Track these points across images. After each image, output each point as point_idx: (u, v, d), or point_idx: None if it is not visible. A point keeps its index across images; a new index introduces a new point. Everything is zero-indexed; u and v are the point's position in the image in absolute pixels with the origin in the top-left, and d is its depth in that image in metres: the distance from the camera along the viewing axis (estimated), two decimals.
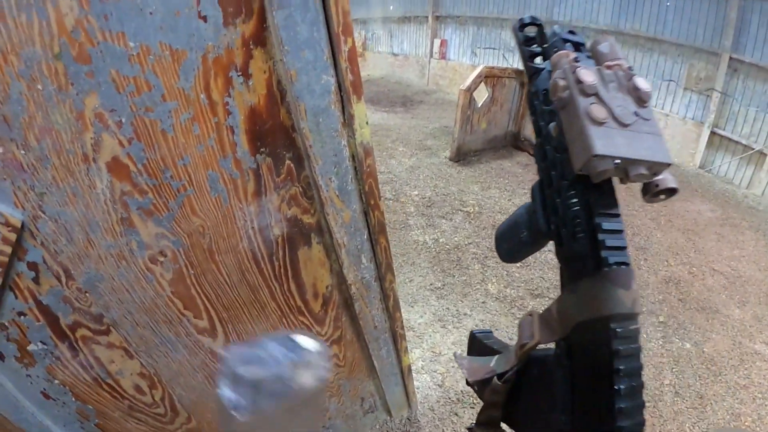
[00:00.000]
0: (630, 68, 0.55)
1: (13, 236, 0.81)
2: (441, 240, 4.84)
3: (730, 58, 7.73)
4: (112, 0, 0.75)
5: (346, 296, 1.44)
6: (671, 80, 8.48)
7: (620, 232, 0.53)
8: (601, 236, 0.51)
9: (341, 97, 1.06)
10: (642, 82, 0.53)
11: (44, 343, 0.98)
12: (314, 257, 1.30)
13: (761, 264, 4.91)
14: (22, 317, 0.92)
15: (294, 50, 0.94)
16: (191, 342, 1.24)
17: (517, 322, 3.45)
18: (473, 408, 2.80)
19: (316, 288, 1.37)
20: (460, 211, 5.52)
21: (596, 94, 0.50)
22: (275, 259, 1.23)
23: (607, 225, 0.52)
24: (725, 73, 7.81)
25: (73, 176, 0.84)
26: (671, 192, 0.56)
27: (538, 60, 0.65)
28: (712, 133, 7.90)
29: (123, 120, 0.84)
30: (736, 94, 7.75)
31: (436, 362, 3.17)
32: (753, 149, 7.39)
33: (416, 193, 6.03)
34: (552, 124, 0.57)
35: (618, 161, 0.47)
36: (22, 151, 0.78)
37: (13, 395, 0.98)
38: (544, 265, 4.42)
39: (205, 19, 0.85)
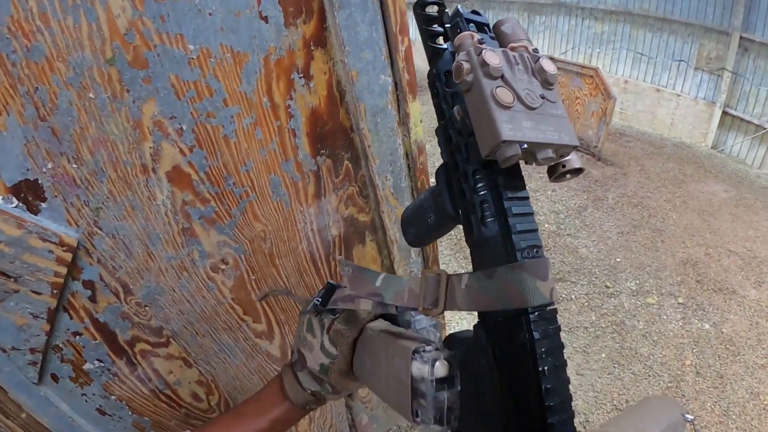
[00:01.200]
0: (535, 50, 0.52)
1: (68, 256, 0.73)
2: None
3: (741, 38, 7.40)
4: (168, 0, 0.67)
5: None
6: (682, 60, 8.15)
7: (530, 215, 0.50)
8: (511, 221, 0.47)
9: (397, 96, 1.02)
10: (548, 64, 0.50)
11: (101, 361, 0.91)
12: (367, 254, 1.27)
13: None
14: (77, 337, 0.83)
15: (355, 50, 0.88)
16: (249, 346, 1.18)
17: None
18: None
19: None
20: None
21: (502, 77, 0.46)
22: (332, 259, 1.19)
23: (517, 209, 0.48)
24: (736, 52, 7.48)
25: (132, 189, 0.77)
26: (577, 172, 0.54)
27: (440, 41, 0.59)
28: (724, 113, 7.62)
29: (184, 127, 0.77)
30: (747, 74, 7.46)
31: None
32: (765, 129, 7.13)
33: None
34: (456, 108, 0.53)
35: (525, 146, 0.44)
36: (74, 165, 0.70)
37: (68, 415, 0.90)
38: (564, 249, 4.41)
39: (266, 19, 0.78)
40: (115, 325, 0.89)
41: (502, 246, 0.47)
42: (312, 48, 0.86)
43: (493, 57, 0.46)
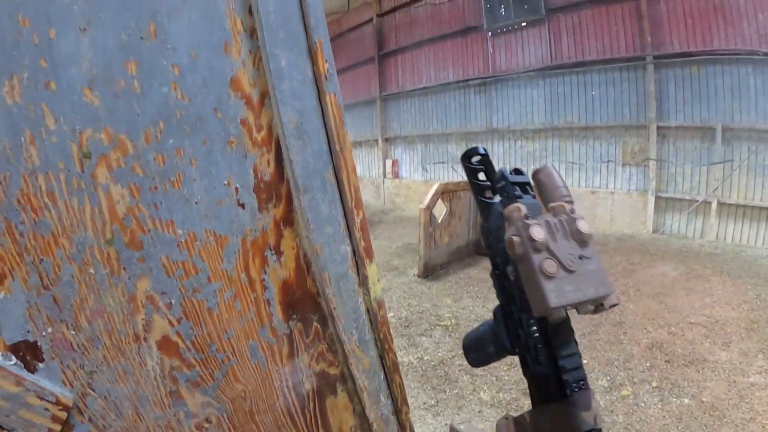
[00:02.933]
0: (572, 210, 0.67)
1: (63, 415, 0.83)
2: (425, 358, 5.20)
3: (658, 127, 9.07)
4: (161, 190, 0.86)
5: None
6: (609, 160, 9.72)
7: (575, 354, 0.68)
8: (561, 362, 0.66)
9: (356, 262, 1.20)
10: (582, 225, 0.65)
11: None
12: (339, 403, 1.41)
13: (733, 303, 5.50)
14: None
15: (317, 227, 1.08)
16: None
17: None
18: None
19: (342, 431, 1.46)
20: (438, 326, 5.94)
21: (547, 248, 0.61)
22: (307, 411, 1.31)
23: (565, 351, 0.67)
24: (656, 141, 9.10)
25: (124, 355, 0.90)
26: (613, 306, 0.71)
27: (489, 193, 0.77)
28: (657, 198, 9.00)
29: (173, 301, 0.93)
30: (670, 158, 8.97)
31: None
32: (698, 201, 8.33)
33: (392, 314, 6.40)
34: (510, 269, 0.69)
35: (569, 306, 0.61)
36: (73, 332, 0.83)
37: None
38: None
39: (243, 206, 0.98)
40: None
41: (555, 382, 0.65)
42: (282, 227, 1.06)
43: (539, 232, 0.60)
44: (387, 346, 1.38)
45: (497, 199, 0.77)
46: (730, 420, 3.59)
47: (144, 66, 0.82)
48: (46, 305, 0.78)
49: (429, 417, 4.19)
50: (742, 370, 4.21)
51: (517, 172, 0.76)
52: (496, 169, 0.78)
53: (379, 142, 15.97)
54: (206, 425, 1.06)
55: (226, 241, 0.97)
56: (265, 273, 1.06)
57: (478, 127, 12.82)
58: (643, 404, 3.94)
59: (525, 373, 0.72)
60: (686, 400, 3.92)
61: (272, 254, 1.06)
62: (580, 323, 5.33)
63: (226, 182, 0.95)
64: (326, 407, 1.33)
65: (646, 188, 9.27)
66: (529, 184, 0.76)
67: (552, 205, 0.70)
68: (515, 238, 0.63)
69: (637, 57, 9.39)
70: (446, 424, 4.05)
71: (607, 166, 9.89)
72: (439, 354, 5.20)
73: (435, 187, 7.70)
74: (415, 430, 3.66)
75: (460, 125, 13.31)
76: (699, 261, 7.07)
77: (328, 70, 1.02)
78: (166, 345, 0.94)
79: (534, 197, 0.75)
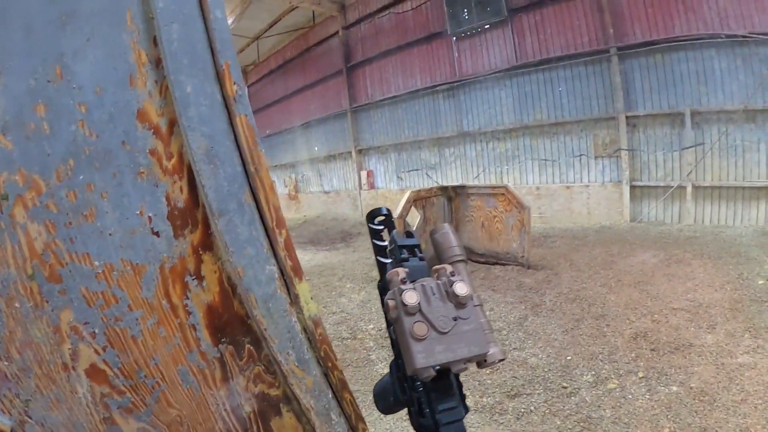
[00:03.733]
0: (452, 273, 0.75)
1: None
2: None
3: (627, 117, 9.16)
4: (75, 224, 0.90)
5: None
6: (581, 154, 9.77)
7: (454, 408, 0.75)
8: (438, 416, 0.74)
9: (285, 281, 1.22)
10: (460, 288, 0.70)
11: None
12: (287, 424, 1.36)
13: (715, 285, 5.48)
14: None
15: (238, 249, 1.09)
16: None
17: (501, 428, 3.57)
18: None
19: None
20: None
21: (420, 311, 0.67)
22: None
23: (443, 406, 0.74)
24: (626, 131, 9.17)
25: (55, 383, 0.95)
26: (500, 361, 0.83)
27: (384, 254, 0.85)
28: (632, 187, 9.00)
29: (96, 330, 0.97)
30: (641, 146, 9.04)
31: None
32: (672, 186, 8.38)
33: (372, 326, 6.31)
34: (391, 328, 0.78)
35: (438, 366, 0.66)
36: (5, 363, 0.90)
37: None
38: (513, 364, 4.74)
39: (158, 234, 1.01)
40: None
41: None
42: (201, 252, 1.08)
43: (411, 297, 0.67)
44: (330, 364, 1.33)
45: (390, 260, 0.85)
46: (721, 404, 3.53)
47: (52, 107, 0.86)
48: None
49: (411, 428, 4.01)
50: (729, 351, 4.17)
51: (408, 235, 0.83)
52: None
53: (353, 154, 15.99)
54: None
55: (143, 270, 0.98)
56: (188, 298, 1.06)
57: (449, 132, 12.87)
58: (630, 396, 3.87)
59: (412, 424, 0.79)
60: (674, 388, 3.86)
61: (193, 279, 1.07)
62: (561, 319, 5.29)
63: (138, 212, 0.97)
64: (272, 429, 1.29)
65: (620, 179, 9.32)
66: (417, 246, 0.83)
67: (435, 267, 0.76)
68: (390, 302, 0.70)
69: (601, 50, 9.53)
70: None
71: (580, 160, 9.94)
72: None
73: (407, 195, 7.61)
74: None
75: (431, 131, 13.36)
76: (678, 246, 7.09)
77: (237, 92, 1.03)
78: (94, 373, 0.96)
79: (422, 259, 0.81)
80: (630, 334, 4.83)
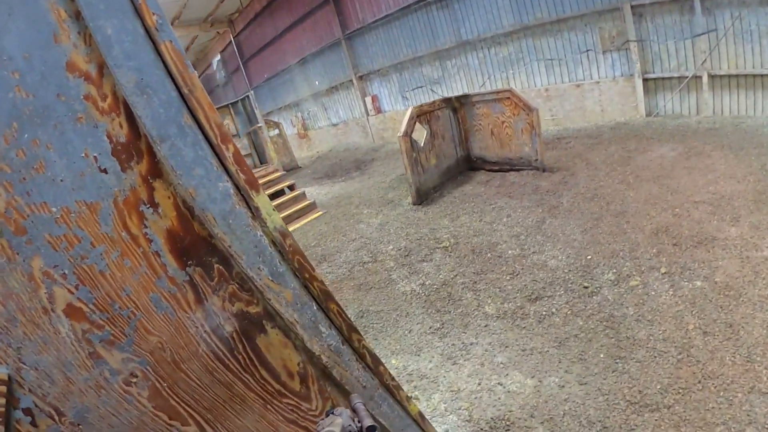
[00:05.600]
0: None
1: (3, 389, 0.96)
2: (427, 282, 5.00)
3: (632, 6, 8.38)
4: (29, 178, 0.97)
5: (321, 367, 1.52)
6: (588, 50, 9.09)
7: None
8: None
9: (242, 195, 1.24)
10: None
11: None
12: (274, 341, 1.40)
13: (738, 176, 5.15)
14: None
15: (186, 171, 1.12)
16: None
17: (524, 333, 3.45)
18: (508, 430, 2.87)
19: (288, 368, 1.46)
20: (437, 248, 5.72)
21: None
22: (237, 353, 1.33)
23: None
24: (633, 21, 8.42)
25: (40, 328, 1.01)
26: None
27: None
28: (645, 80, 8.40)
29: (66, 272, 1.02)
30: (650, 36, 8.32)
31: (458, 399, 3.24)
32: (687, 77, 7.83)
33: (391, 247, 6.24)
34: None
35: None
36: None
37: None
38: (532, 267, 4.58)
39: (105, 171, 1.05)
40: None
41: None
42: (151, 181, 1.12)
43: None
44: (308, 275, 1.39)
45: None
46: (747, 298, 3.34)
47: None
48: None
49: (436, 340, 4.00)
50: (754, 244, 3.92)
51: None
52: None
53: (354, 81, 15.41)
54: (133, 379, 1.14)
55: (98, 207, 1.05)
56: (146, 227, 1.12)
57: (448, 43, 12.04)
58: (653, 293, 3.70)
59: None
60: (698, 283, 3.66)
61: (148, 208, 1.12)
62: (580, 219, 5.08)
63: (83, 154, 1.02)
64: (259, 347, 1.36)
65: (631, 72, 8.67)
66: None
67: None
68: None
69: None
70: (453, 344, 3.85)
71: (587, 56, 9.23)
72: (441, 276, 5.00)
73: (409, 111, 7.26)
74: (424, 355, 3.48)
75: (429, 45, 12.57)
76: (697, 138, 6.69)
77: (157, 21, 1.06)
78: (72, 311, 1.04)
79: None
80: (651, 229, 4.60)
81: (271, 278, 1.31)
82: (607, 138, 7.59)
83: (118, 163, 1.07)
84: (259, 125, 11.14)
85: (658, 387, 2.83)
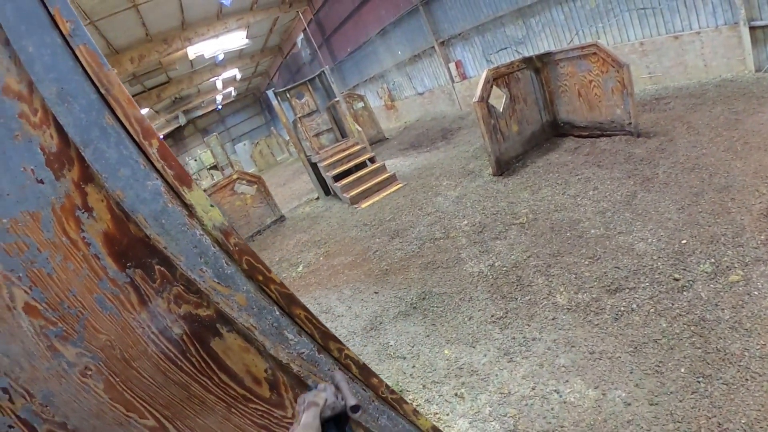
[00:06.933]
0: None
1: None
2: (497, 263, 4.61)
3: None
4: None
5: (294, 375, 1.46)
6: None
7: None
8: None
9: (175, 193, 1.22)
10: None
11: None
12: (232, 345, 1.38)
13: None
14: (11, 429, 1.18)
15: (110, 173, 1.15)
16: None
17: (595, 331, 2.93)
18: None
19: (253, 374, 1.43)
20: (513, 224, 5.27)
21: None
22: (189, 355, 1.33)
23: None
24: None
25: (6, 322, 1.13)
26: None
27: None
28: (752, 29, 6.91)
29: (21, 275, 1.13)
30: None
31: (505, 404, 2.90)
32: None
33: (465, 222, 5.89)
34: None
35: None
36: None
37: None
38: (617, 251, 3.99)
39: (42, 181, 1.12)
40: (33, 420, 1.19)
41: None
42: (83, 186, 1.16)
43: None
44: (262, 277, 1.35)
45: None
46: None
47: None
48: None
49: (495, 331, 3.64)
50: None
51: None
52: None
53: (436, 48, 14.65)
54: (89, 372, 1.21)
55: (39, 215, 1.13)
56: (83, 231, 1.17)
57: None
58: (756, 293, 2.94)
59: None
60: None
61: (83, 212, 1.17)
62: (677, 194, 4.37)
63: (22, 169, 1.10)
64: (215, 350, 1.35)
65: (735, 20, 7.03)
66: None
67: None
68: None
69: None
70: (513, 338, 3.47)
71: (685, 3, 7.78)
72: (513, 257, 4.58)
73: (483, 75, 6.66)
74: (480, 347, 3.15)
75: (511, 3, 11.35)
76: None
77: (70, 28, 1.09)
78: (29, 309, 1.14)
79: None
80: (760, 209, 3.73)
81: (216, 280, 1.29)
82: (711, 97, 6.44)
83: (52, 173, 1.14)
84: (336, 100, 11.05)
85: (744, 421, 2.24)
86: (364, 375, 1.58)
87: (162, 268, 1.26)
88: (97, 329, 1.22)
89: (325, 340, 1.48)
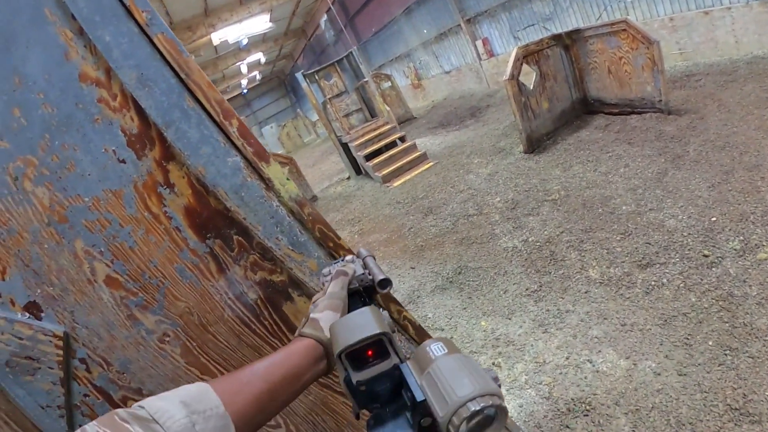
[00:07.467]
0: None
1: (61, 343, 1.18)
2: (531, 239, 4.69)
3: None
4: (63, 177, 1.15)
5: None
6: None
7: None
8: None
9: (253, 168, 1.30)
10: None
11: None
12: (302, 308, 1.46)
13: None
14: (86, 398, 1.26)
15: (193, 151, 1.22)
16: None
17: (627, 304, 3.03)
18: (587, 416, 2.61)
19: None
20: (546, 201, 5.32)
21: None
22: (263, 319, 1.42)
23: None
24: None
25: (87, 295, 1.21)
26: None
27: None
28: None
29: (102, 249, 1.21)
30: None
31: (540, 373, 3.03)
32: None
33: (498, 199, 5.96)
34: None
35: None
36: (51, 288, 1.18)
37: None
38: (648, 228, 4.04)
39: (124, 161, 1.20)
40: (108, 388, 1.28)
41: None
42: (165, 164, 1.24)
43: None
44: (332, 244, 1.41)
45: None
46: None
47: (23, 106, 1.10)
48: (31, 276, 1.16)
49: (531, 304, 3.76)
50: None
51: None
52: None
53: (462, 25, 14.42)
54: (167, 338, 1.30)
55: (121, 193, 1.20)
56: (165, 206, 1.25)
57: None
58: None
59: None
60: None
61: (165, 189, 1.24)
62: (707, 172, 4.38)
63: (104, 150, 1.17)
64: (285, 313, 1.44)
65: None
66: None
67: None
68: None
69: None
70: (547, 310, 3.60)
71: None
72: (546, 232, 4.67)
73: (513, 53, 6.66)
74: (516, 319, 3.40)
75: None
76: None
77: (146, 17, 1.15)
78: (110, 281, 1.22)
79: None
80: None
81: (291, 248, 1.36)
82: (742, 75, 6.28)
83: (134, 153, 1.20)
84: (365, 80, 11.11)
85: (767, 394, 2.34)
86: (419, 336, 1.65)
87: (240, 238, 1.34)
88: (177, 297, 1.29)
89: (386, 303, 1.54)
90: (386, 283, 1.04)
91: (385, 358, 0.66)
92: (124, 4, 1.12)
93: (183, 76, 1.19)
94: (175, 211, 1.26)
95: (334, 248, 1.42)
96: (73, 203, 1.16)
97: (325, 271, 1.13)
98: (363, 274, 1.08)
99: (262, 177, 1.30)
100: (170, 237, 1.27)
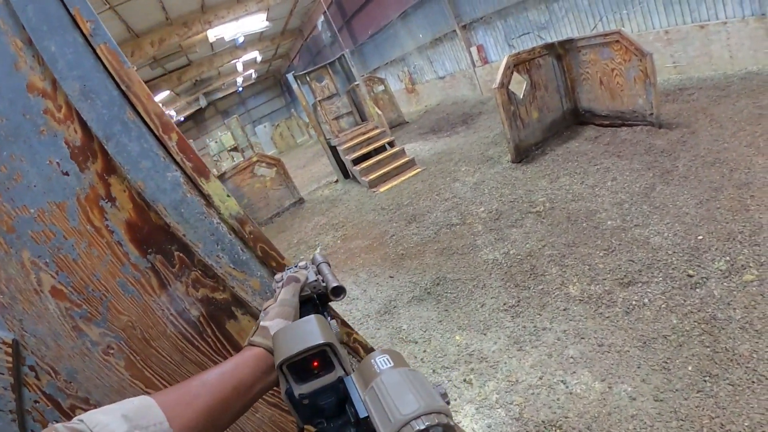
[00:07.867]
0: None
1: (10, 350, 1.19)
2: (512, 252, 4.61)
3: None
4: (11, 188, 1.15)
5: None
6: None
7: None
8: None
9: (194, 183, 1.29)
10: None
11: (57, 421, 1.23)
12: (246, 327, 1.46)
13: None
14: (36, 404, 1.25)
15: (132, 165, 1.22)
16: None
17: (605, 324, 2.93)
18: None
19: None
20: (530, 213, 5.24)
21: None
22: (206, 336, 1.41)
23: None
24: None
25: (34, 305, 1.21)
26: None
27: None
28: None
29: (48, 260, 1.21)
30: None
31: (512, 392, 2.92)
32: None
33: (482, 209, 5.88)
34: None
35: None
36: (1, 296, 1.18)
37: None
38: (632, 244, 3.96)
39: (67, 173, 1.20)
40: (57, 396, 1.27)
41: None
42: (106, 177, 1.24)
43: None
44: (275, 264, 1.41)
45: None
46: None
47: None
48: None
49: (507, 319, 3.66)
50: None
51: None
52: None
53: (458, 31, 14.38)
54: (111, 351, 1.29)
55: (65, 205, 1.20)
56: (107, 220, 1.25)
57: None
58: None
59: None
60: None
61: (106, 202, 1.24)
62: (696, 188, 4.30)
63: (48, 162, 1.17)
64: (229, 331, 1.43)
65: (762, 11, 6.70)
66: None
67: None
68: None
69: None
70: (524, 327, 3.50)
71: None
72: (528, 245, 4.58)
73: (504, 61, 6.57)
74: (491, 334, 3.26)
75: None
76: None
77: (91, 28, 1.15)
78: (55, 292, 1.22)
79: None
80: None
81: (233, 266, 1.36)
82: (736, 90, 6.23)
83: (77, 165, 1.21)
84: (356, 83, 11.01)
85: (746, 424, 2.22)
86: None
87: (181, 254, 1.33)
88: (120, 311, 1.29)
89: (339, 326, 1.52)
90: (339, 290, 1.04)
91: (330, 370, 0.65)
92: (69, 14, 1.13)
93: (124, 87, 1.19)
94: (116, 225, 1.27)
95: (277, 268, 1.41)
96: (20, 213, 1.17)
97: (278, 277, 1.12)
98: (316, 280, 1.08)
99: (202, 193, 1.30)
100: (112, 251, 1.27)
